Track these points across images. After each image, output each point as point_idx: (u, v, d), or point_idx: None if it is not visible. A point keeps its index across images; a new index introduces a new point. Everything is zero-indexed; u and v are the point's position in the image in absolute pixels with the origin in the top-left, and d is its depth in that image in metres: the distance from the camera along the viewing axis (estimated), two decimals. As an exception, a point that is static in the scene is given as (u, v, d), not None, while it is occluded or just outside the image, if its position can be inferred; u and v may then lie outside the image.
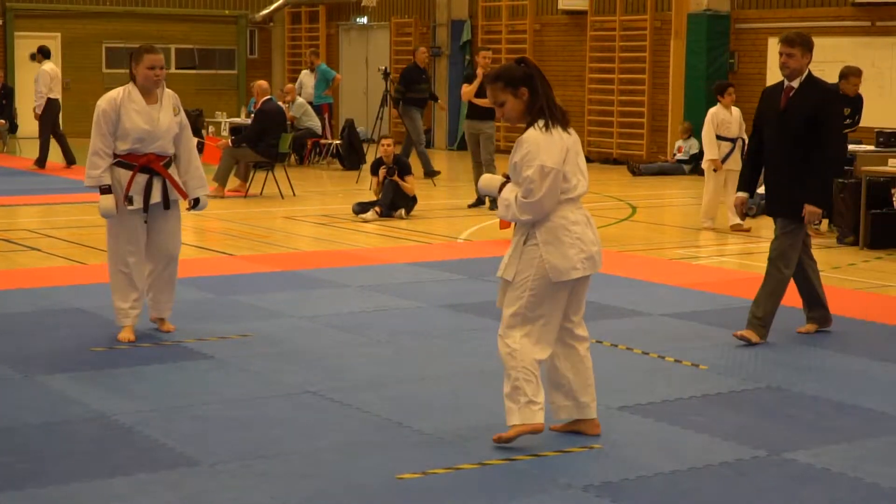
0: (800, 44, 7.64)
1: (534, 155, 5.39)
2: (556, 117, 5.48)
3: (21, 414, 6.02)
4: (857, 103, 13.28)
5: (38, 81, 20.21)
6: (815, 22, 19.38)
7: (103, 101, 7.52)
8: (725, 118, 13.58)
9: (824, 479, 5.20)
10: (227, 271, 10.29)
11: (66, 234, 12.58)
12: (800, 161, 7.64)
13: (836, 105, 7.80)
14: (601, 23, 22.95)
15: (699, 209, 15.72)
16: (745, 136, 13.35)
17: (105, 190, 7.48)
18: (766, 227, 13.27)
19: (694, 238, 13.03)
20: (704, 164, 13.76)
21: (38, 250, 11.44)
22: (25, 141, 24.99)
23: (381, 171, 14.30)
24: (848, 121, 12.84)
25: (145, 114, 7.49)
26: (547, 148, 5.40)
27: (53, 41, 27.92)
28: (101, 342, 7.57)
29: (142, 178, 7.54)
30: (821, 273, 10.53)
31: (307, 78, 22.33)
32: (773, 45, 20.26)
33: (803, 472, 5.29)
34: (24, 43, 27.64)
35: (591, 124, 23.23)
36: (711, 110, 13.70)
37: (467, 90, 15.36)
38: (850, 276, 10.62)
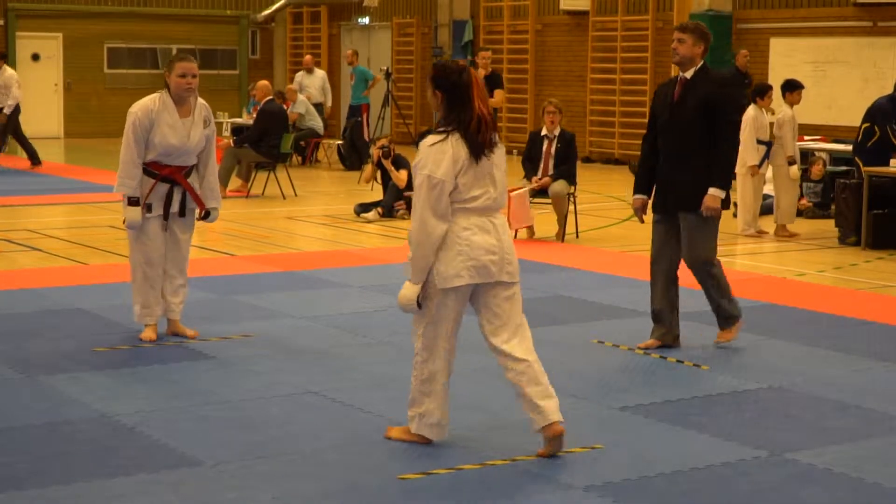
0: (692, 31, 7.43)
1: (423, 164, 5.33)
2: (480, 142, 5.34)
3: (22, 414, 6.02)
4: None
5: (13, 86, 20.16)
6: (816, 22, 19.37)
7: (138, 109, 7.41)
8: (763, 121, 12.89)
9: (825, 480, 5.19)
10: (228, 271, 10.29)
11: (66, 235, 12.58)
12: (698, 152, 7.39)
13: (729, 92, 7.51)
14: (603, 23, 22.94)
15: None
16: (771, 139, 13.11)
17: (134, 202, 7.43)
18: (766, 228, 13.26)
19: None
20: (741, 170, 12.88)
21: (39, 250, 11.44)
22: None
23: (375, 152, 14.27)
24: None
25: (178, 128, 7.42)
26: (436, 158, 5.30)
27: (55, 41, 27.94)
28: (102, 342, 7.57)
29: (162, 188, 7.51)
30: (823, 273, 10.52)
31: (307, 80, 22.29)
32: (776, 46, 20.31)
33: (805, 472, 5.29)
34: (26, 43, 27.65)
35: (592, 124, 23.22)
36: (751, 113, 12.83)
37: (468, 90, 15.32)
38: (851, 276, 10.61)
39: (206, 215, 7.75)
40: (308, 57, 23.15)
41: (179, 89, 7.40)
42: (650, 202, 7.77)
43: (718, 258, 7.69)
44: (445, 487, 5.04)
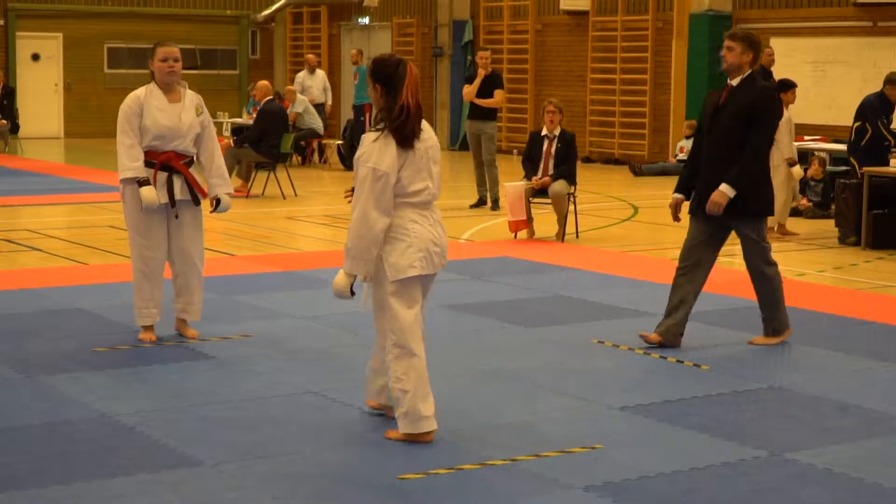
0: (741, 39, 7.48)
1: (367, 157, 5.45)
2: (405, 132, 5.46)
3: (22, 414, 6.02)
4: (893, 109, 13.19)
5: None
6: (817, 22, 19.37)
7: (127, 99, 7.50)
8: (786, 118, 12.76)
9: (825, 480, 5.19)
10: (228, 271, 10.29)
11: (66, 235, 12.58)
12: (737, 159, 7.43)
13: (770, 101, 7.55)
14: (603, 23, 22.95)
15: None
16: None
17: (144, 182, 7.40)
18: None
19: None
20: None
21: (39, 250, 11.44)
22: (27, 141, 25.03)
23: None
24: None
25: (168, 111, 7.46)
26: (381, 152, 5.43)
27: (55, 41, 27.95)
28: (102, 342, 7.57)
29: (162, 177, 7.49)
30: (823, 273, 10.53)
31: (309, 80, 22.19)
32: (775, 46, 20.26)
33: (805, 472, 5.28)
34: (26, 43, 27.65)
35: (592, 124, 23.23)
36: None
37: (468, 91, 15.36)
38: (851, 276, 10.61)
39: (216, 205, 7.70)
40: (311, 56, 23.06)
41: (162, 74, 7.47)
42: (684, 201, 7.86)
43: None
44: (445, 487, 5.04)
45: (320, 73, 22.69)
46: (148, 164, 7.47)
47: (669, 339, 7.62)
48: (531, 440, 5.63)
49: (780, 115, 7.27)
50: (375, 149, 5.45)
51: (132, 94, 7.51)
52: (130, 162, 7.41)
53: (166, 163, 7.49)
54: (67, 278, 9.86)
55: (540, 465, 5.30)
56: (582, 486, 5.05)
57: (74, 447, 5.51)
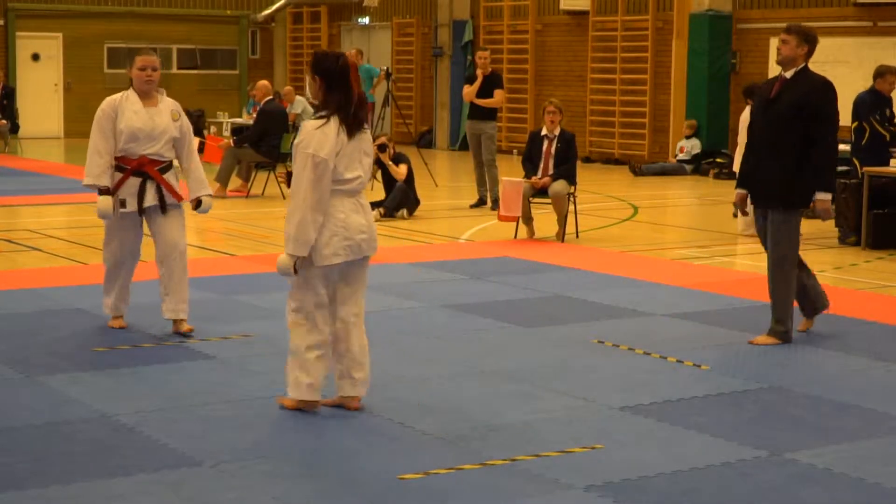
0: (796, 32, 7.61)
1: (307, 144, 5.78)
2: (355, 121, 5.85)
3: (22, 414, 6.01)
4: (889, 103, 13.20)
5: None
6: (817, 22, 19.34)
7: (103, 103, 7.68)
8: None
9: (826, 480, 5.19)
10: (228, 271, 10.29)
11: (66, 235, 12.58)
12: (787, 150, 7.52)
13: (828, 94, 7.61)
14: (603, 23, 22.95)
15: (703, 210, 15.77)
16: None
17: (104, 191, 7.57)
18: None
19: (695, 238, 13.01)
20: (738, 169, 13.12)
21: (39, 250, 11.44)
22: (27, 141, 25.02)
23: (373, 149, 14.24)
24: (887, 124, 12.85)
25: (142, 114, 7.60)
26: (320, 139, 5.77)
27: (55, 41, 27.95)
28: (102, 342, 7.57)
29: (134, 182, 7.60)
30: (823, 273, 10.53)
31: None
32: (775, 46, 20.31)
33: (805, 472, 5.28)
34: (26, 43, 27.65)
35: (592, 124, 23.23)
36: (744, 115, 12.74)
37: (468, 91, 15.36)
38: (851, 276, 10.61)
39: (197, 204, 7.83)
40: None
41: (140, 82, 7.62)
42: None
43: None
44: (446, 488, 5.03)
45: None
46: (120, 168, 7.60)
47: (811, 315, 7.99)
48: (531, 440, 5.63)
49: (836, 107, 7.47)
50: (316, 136, 5.78)
51: (108, 99, 7.68)
52: (93, 169, 7.58)
53: (139, 168, 7.57)
54: (67, 278, 9.86)
55: (540, 465, 5.30)
56: (582, 486, 5.05)
57: (74, 447, 5.51)
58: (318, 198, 5.77)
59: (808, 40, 7.59)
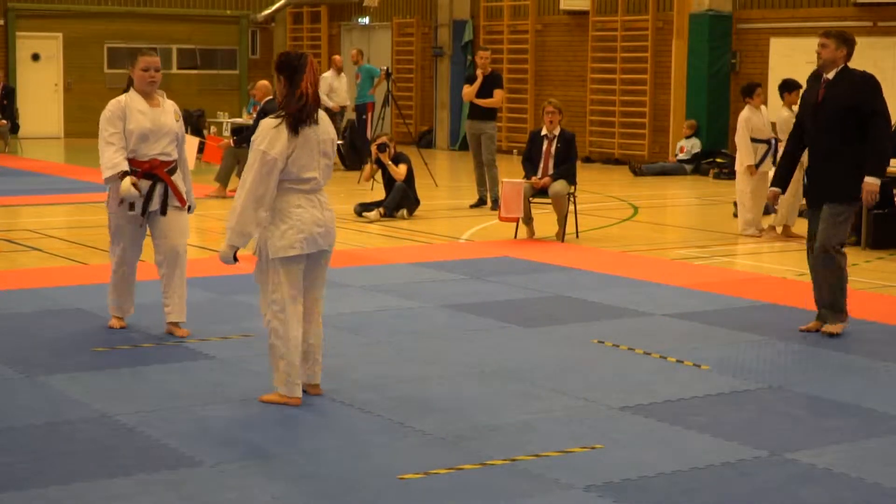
0: (834, 37, 7.99)
1: (260, 140, 5.97)
2: (300, 116, 5.98)
3: (22, 414, 6.02)
4: None
5: None
6: (817, 22, 19.37)
7: (109, 105, 7.63)
8: (757, 121, 13.01)
9: (826, 479, 5.19)
10: (228, 271, 10.26)
11: (66, 235, 12.58)
12: (843, 149, 7.87)
13: (872, 88, 7.95)
14: (603, 23, 22.95)
15: (703, 210, 15.77)
16: (775, 136, 13.09)
17: (126, 174, 7.51)
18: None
19: (695, 238, 13.01)
20: (739, 169, 13.09)
21: (39, 250, 11.44)
22: (27, 141, 25.03)
23: (373, 149, 14.29)
24: None
25: (148, 114, 7.59)
26: (273, 137, 5.94)
27: (55, 41, 27.95)
28: (102, 342, 7.57)
29: (144, 184, 7.60)
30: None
31: (337, 82, 21.32)
32: (775, 46, 20.31)
33: (805, 472, 5.28)
34: (26, 43, 27.66)
35: (592, 124, 23.23)
36: (743, 114, 13.07)
37: (468, 91, 15.37)
38: (852, 276, 10.58)
39: (189, 209, 7.91)
40: (338, 57, 22.13)
41: (143, 83, 7.60)
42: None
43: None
44: (445, 487, 5.04)
45: (344, 76, 21.81)
46: (131, 171, 7.57)
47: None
48: (531, 440, 5.63)
49: (882, 98, 7.94)
50: (270, 134, 5.96)
51: (114, 101, 7.65)
52: (113, 157, 7.50)
53: (149, 171, 7.58)
54: (67, 278, 9.86)
55: (540, 465, 5.30)
56: (582, 486, 5.05)
57: (74, 447, 5.51)
58: (263, 193, 5.95)
59: (847, 42, 8.01)
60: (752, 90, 13.19)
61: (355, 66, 22.35)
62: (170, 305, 7.75)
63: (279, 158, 5.94)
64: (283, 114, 6.01)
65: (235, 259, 6.13)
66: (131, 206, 7.60)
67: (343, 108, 21.28)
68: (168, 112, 7.67)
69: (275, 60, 6.15)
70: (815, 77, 8.19)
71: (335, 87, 21.26)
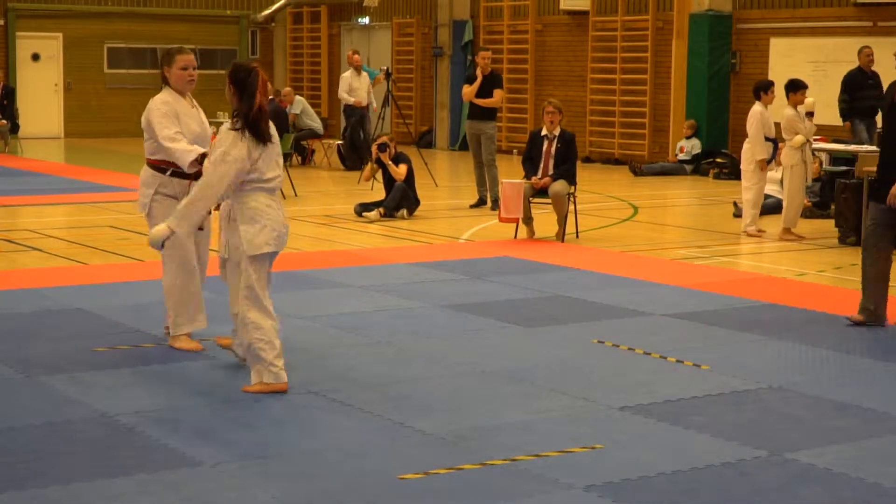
0: None
1: (222, 143, 6.31)
2: (251, 126, 6.31)
3: (22, 414, 6.02)
4: None
5: None
6: (817, 22, 19.37)
7: (157, 102, 7.27)
8: (769, 118, 12.87)
9: (826, 479, 5.19)
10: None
11: (66, 235, 12.57)
12: None
13: None
14: (603, 23, 22.95)
15: (703, 210, 15.76)
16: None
17: (204, 157, 6.98)
18: (772, 227, 13.27)
19: (695, 238, 13.01)
20: (749, 166, 12.95)
21: (40, 250, 11.44)
22: (27, 141, 25.03)
23: (374, 149, 14.30)
24: None
25: (192, 115, 7.36)
26: (234, 142, 6.30)
27: (55, 41, 27.95)
28: (102, 342, 7.57)
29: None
30: (823, 273, 10.51)
31: (356, 81, 20.89)
32: (775, 46, 20.30)
33: (805, 472, 5.29)
34: (26, 43, 27.65)
35: (592, 124, 23.22)
36: (756, 108, 12.89)
37: (468, 91, 15.37)
38: (851, 276, 10.60)
39: None
40: (357, 56, 21.44)
41: (182, 82, 7.33)
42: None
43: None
44: (445, 487, 5.04)
45: (365, 75, 21.23)
46: (183, 175, 7.24)
47: (867, 316, 8.20)
48: (531, 440, 5.63)
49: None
50: (230, 138, 6.31)
51: (160, 98, 7.29)
52: (184, 152, 7.12)
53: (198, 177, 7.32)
54: (67, 278, 9.86)
55: (540, 465, 5.30)
56: (582, 486, 5.05)
57: (74, 447, 5.52)
58: (218, 192, 6.32)
59: None
60: (768, 87, 13.07)
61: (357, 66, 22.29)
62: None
63: (239, 160, 6.28)
64: (239, 124, 6.32)
65: (163, 246, 6.53)
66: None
67: (367, 106, 20.91)
68: (200, 110, 7.45)
69: (228, 71, 6.46)
70: (892, 84, 8.40)
71: (355, 87, 20.84)
